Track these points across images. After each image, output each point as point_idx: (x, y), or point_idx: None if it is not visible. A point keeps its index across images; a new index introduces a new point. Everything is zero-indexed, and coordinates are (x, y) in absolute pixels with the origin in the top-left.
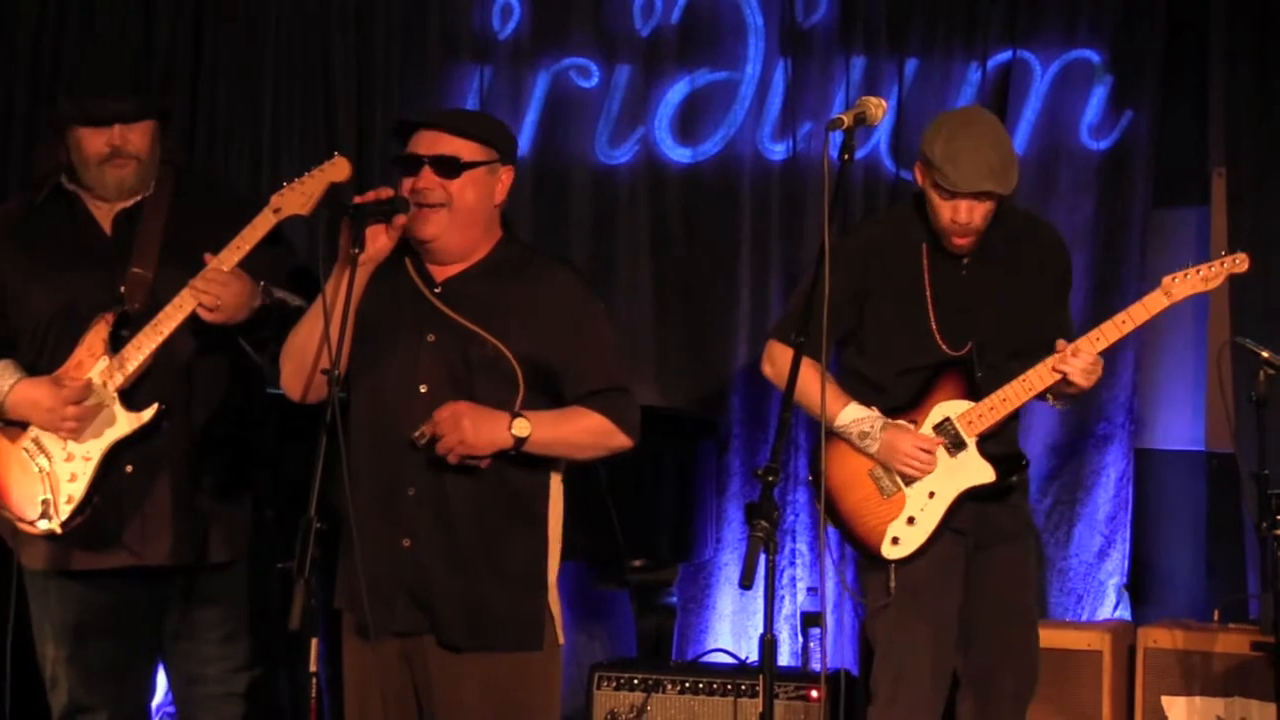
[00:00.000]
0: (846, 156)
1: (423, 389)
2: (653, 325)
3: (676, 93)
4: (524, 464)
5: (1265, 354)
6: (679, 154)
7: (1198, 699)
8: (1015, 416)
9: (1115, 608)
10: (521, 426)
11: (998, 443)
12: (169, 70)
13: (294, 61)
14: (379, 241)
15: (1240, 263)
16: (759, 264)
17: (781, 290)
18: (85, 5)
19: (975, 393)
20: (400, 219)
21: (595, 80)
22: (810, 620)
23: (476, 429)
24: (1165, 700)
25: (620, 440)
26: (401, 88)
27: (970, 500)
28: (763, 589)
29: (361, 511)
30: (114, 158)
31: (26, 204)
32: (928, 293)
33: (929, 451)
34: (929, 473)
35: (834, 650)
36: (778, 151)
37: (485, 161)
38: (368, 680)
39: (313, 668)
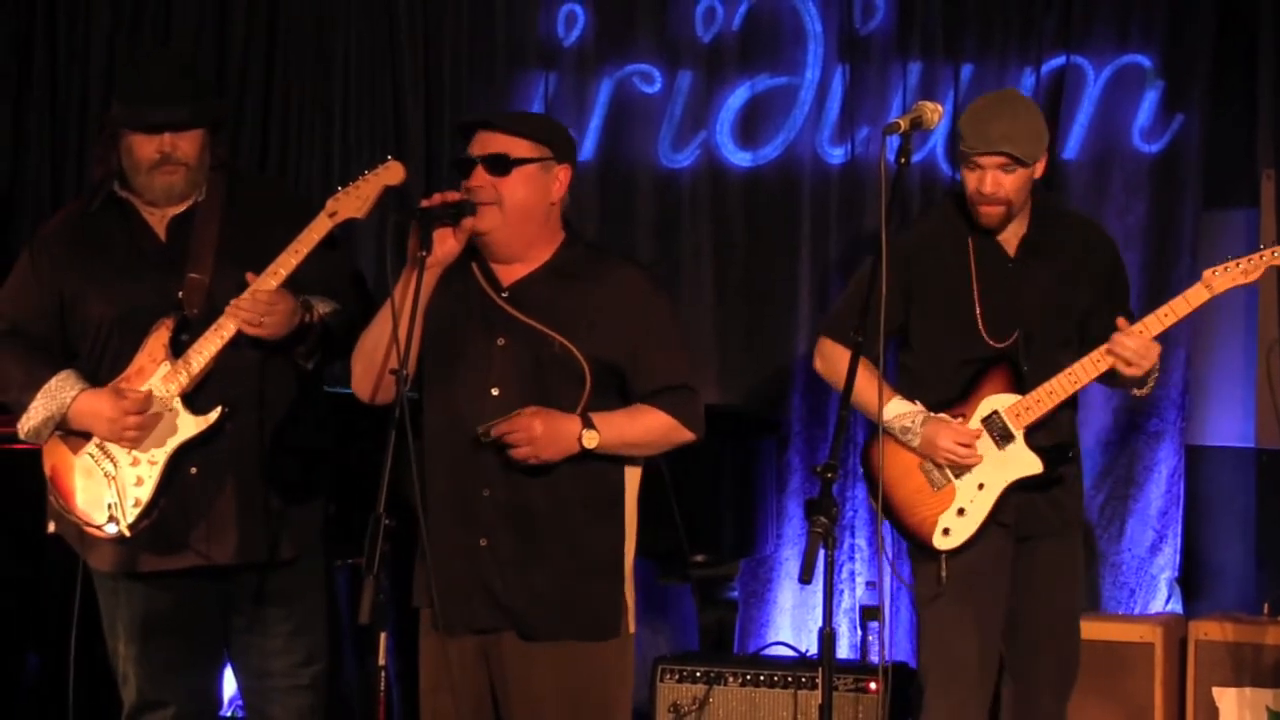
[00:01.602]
0: (903, 160)
1: (495, 392)
2: (714, 325)
3: (737, 98)
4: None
5: None
6: (740, 158)
7: (1248, 690)
8: (1069, 408)
9: (1167, 601)
10: (590, 438)
11: (1047, 434)
12: (242, 75)
13: (364, 68)
14: (447, 244)
15: (1279, 255)
16: (818, 265)
17: (841, 290)
18: (160, 9)
19: (1022, 385)
20: (468, 221)
21: (658, 86)
22: (869, 614)
23: (550, 438)
24: (1216, 691)
25: (684, 435)
26: (469, 94)
27: (1019, 491)
28: (822, 583)
29: (437, 513)
30: (163, 164)
31: (82, 211)
32: (974, 285)
33: (968, 445)
34: (971, 465)
35: (892, 643)
36: (836, 155)
37: (537, 159)
38: (439, 677)
39: (381, 661)
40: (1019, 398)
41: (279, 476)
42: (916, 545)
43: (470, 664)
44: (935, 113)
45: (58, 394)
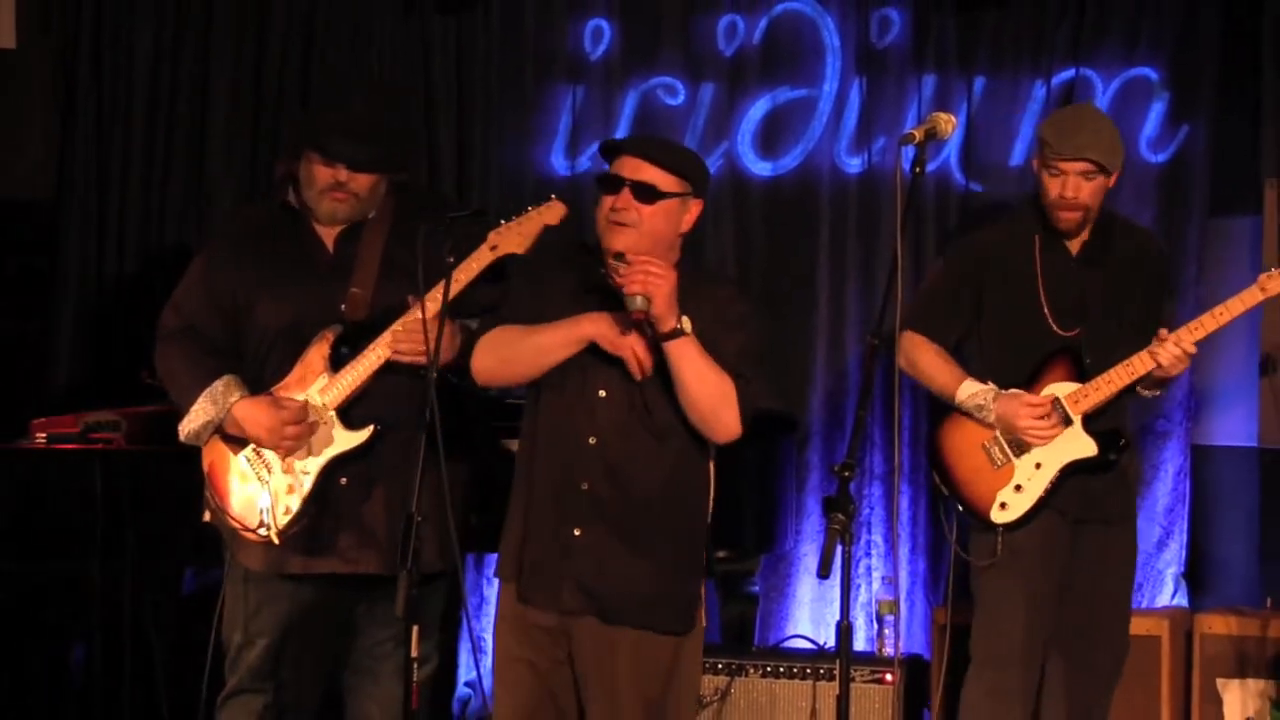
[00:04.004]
0: (918, 170)
1: (601, 394)
2: None
3: (758, 109)
4: (692, 451)
5: None
6: (760, 168)
7: (1250, 681)
8: (1122, 399)
9: (1173, 595)
10: (687, 323)
11: (1102, 421)
12: (279, 91)
13: (397, 82)
14: (600, 327)
15: None
16: (836, 271)
17: (858, 295)
18: (200, 28)
19: (1083, 376)
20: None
21: (682, 98)
22: (885, 608)
23: (669, 285)
24: (1220, 682)
25: (731, 415)
26: (499, 107)
27: (1074, 474)
28: (839, 578)
29: (539, 500)
30: (334, 190)
31: (257, 214)
32: (1040, 279)
33: (1043, 414)
34: (1051, 437)
35: (906, 636)
36: (854, 165)
37: (679, 194)
38: (518, 648)
39: (414, 653)
40: (1079, 385)
41: (426, 493)
42: (975, 519)
43: (551, 638)
44: (949, 123)
45: (219, 399)
